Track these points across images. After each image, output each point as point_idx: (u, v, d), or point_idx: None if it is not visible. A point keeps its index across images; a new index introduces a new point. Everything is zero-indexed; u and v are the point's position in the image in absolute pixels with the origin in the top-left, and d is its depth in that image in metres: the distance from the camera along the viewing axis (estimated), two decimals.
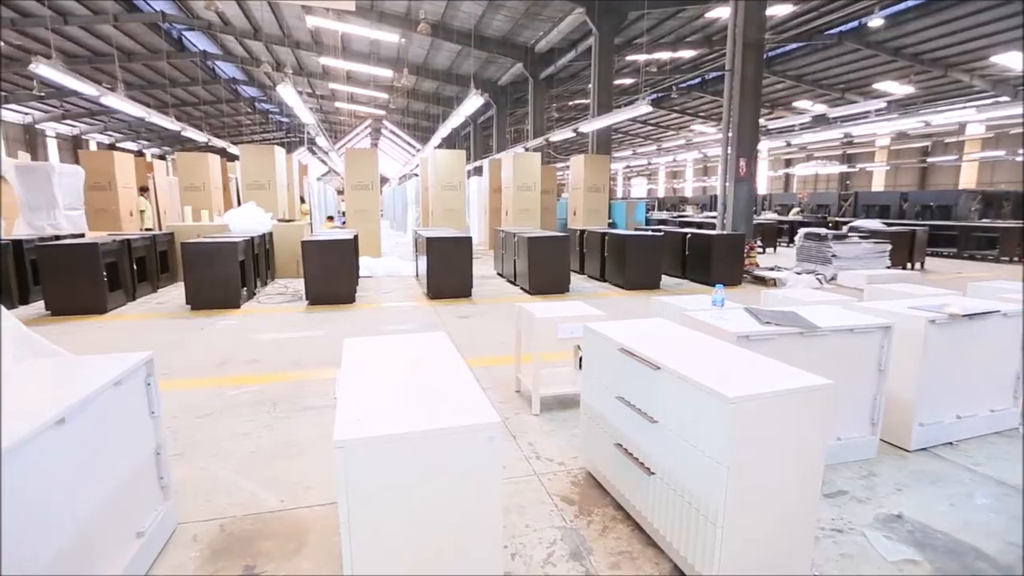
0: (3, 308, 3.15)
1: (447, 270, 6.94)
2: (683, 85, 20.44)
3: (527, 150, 15.03)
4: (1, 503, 1.33)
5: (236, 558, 2.07)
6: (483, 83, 19.28)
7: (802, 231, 9.79)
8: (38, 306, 6.32)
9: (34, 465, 1.45)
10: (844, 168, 28.67)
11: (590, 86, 13.95)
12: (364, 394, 1.73)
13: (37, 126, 25.63)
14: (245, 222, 7.83)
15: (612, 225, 13.47)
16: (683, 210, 26.24)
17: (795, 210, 20.87)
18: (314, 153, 27.99)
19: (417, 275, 8.70)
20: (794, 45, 15.74)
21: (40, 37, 17.05)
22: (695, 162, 36.74)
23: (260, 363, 4.37)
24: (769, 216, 19.11)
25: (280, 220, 9.40)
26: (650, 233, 8.47)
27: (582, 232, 9.19)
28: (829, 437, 2.74)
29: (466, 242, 7.08)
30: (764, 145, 17.90)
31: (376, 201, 10.29)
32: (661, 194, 42.13)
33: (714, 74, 18.66)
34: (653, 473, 2.08)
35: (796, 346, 2.65)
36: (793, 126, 17.06)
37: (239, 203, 13.36)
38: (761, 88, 9.55)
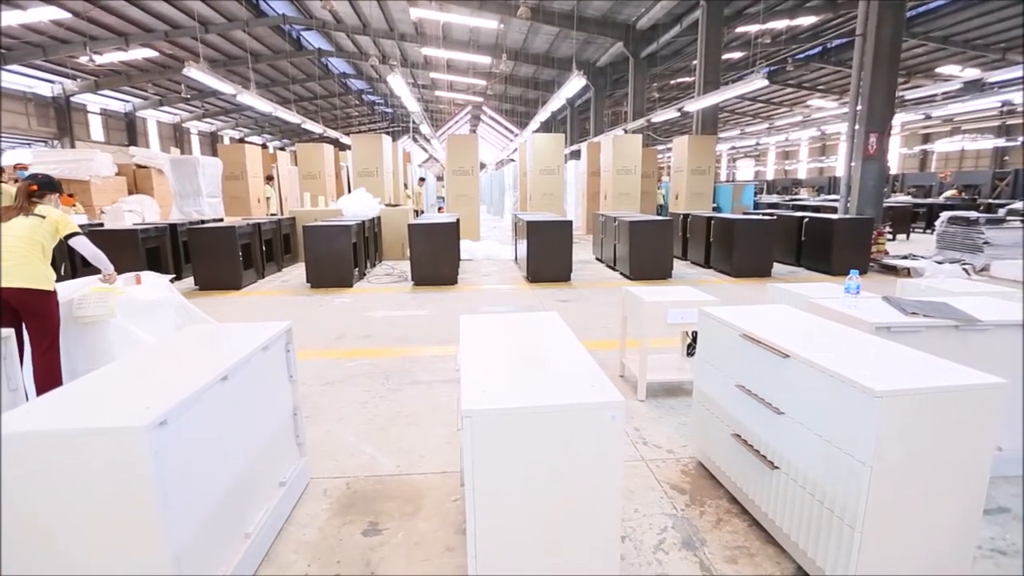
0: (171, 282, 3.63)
1: (547, 254, 6.95)
2: (800, 56, 18.67)
3: (626, 132, 14.58)
4: (186, 442, 1.53)
5: (361, 514, 2.24)
6: (581, 65, 18.91)
7: (945, 215, 8.63)
8: (188, 281, 7.22)
9: (207, 412, 1.66)
10: (1000, 142, 24.74)
11: (695, 63, 13.18)
12: (486, 368, 1.77)
13: (183, 124, 29.06)
14: (356, 207, 8.37)
15: (717, 209, 12.75)
16: (796, 193, 24.18)
17: (949, 191, 17.77)
18: (416, 141, 29.19)
19: (516, 259, 8.81)
20: (942, 1, 13.76)
21: (186, 46, 19.25)
22: (811, 141, 33.67)
23: (372, 338, 4.67)
24: (901, 198, 17.03)
25: (387, 205, 9.93)
26: (761, 217, 7.89)
27: (686, 216, 8.78)
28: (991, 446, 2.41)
29: (566, 226, 7.04)
30: (897, 119, 15.92)
31: (476, 186, 10.53)
32: (770, 176, 39.09)
33: (838, 41, 16.85)
34: (777, 467, 1.95)
35: (949, 341, 2.34)
36: (935, 95, 14.98)
37: (349, 190, 14.30)
38: (899, 53, 8.47)
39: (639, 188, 11.69)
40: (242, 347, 1.98)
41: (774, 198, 20.45)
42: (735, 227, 7.29)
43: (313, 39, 21.41)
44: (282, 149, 26.37)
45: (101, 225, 8.22)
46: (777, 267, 8.04)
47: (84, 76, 20.68)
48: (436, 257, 6.83)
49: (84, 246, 3.18)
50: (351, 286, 6.88)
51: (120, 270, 5.06)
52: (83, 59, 17.86)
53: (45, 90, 20.58)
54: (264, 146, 31.55)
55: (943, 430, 1.59)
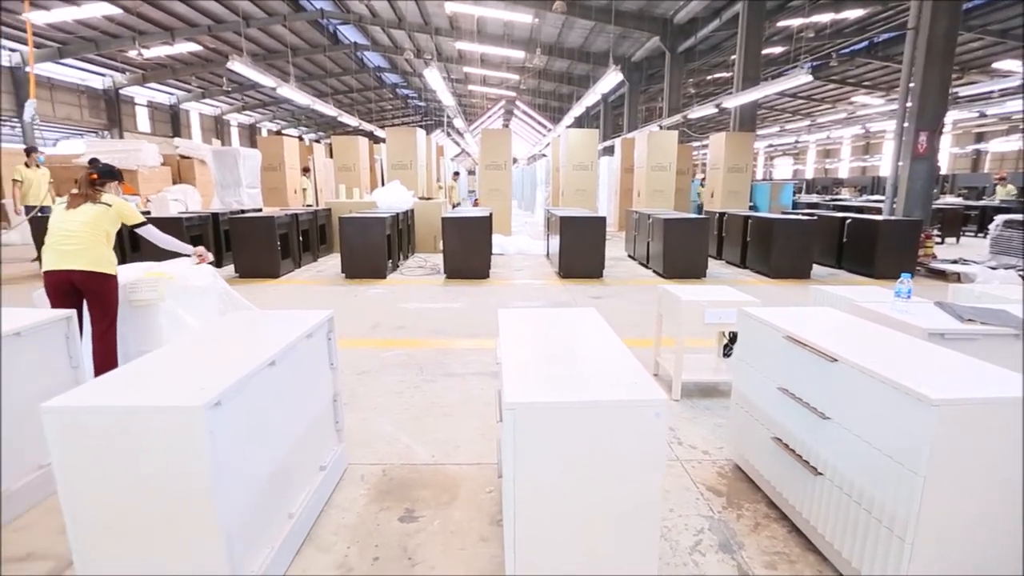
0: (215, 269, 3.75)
1: (579, 250, 6.92)
2: (845, 51, 18.03)
3: (661, 128, 14.36)
4: (237, 423, 1.59)
5: (398, 501, 2.28)
6: (616, 60, 18.64)
7: (999, 218, 8.22)
8: (229, 269, 7.44)
9: (256, 395, 1.71)
10: None
11: (733, 57, 12.87)
12: (527, 362, 1.78)
13: (224, 117, 29.89)
14: (390, 199, 8.48)
15: (753, 208, 12.45)
16: (837, 192, 23.40)
17: (1008, 190, 16.51)
18: (449, 135, 29.36)
19: (548, 254, 8.79)
20: None
21: (229, 40, 19.75)
22: (854, 139, 32.55)
23: (406, 329, 4.74)
24: (951, 200, 16.29)
25: (420, 198, 10.03)
26: (801, 217, 7.67)
27: (722, 215, 8.60)
28: None
29: (599, 222, 6.99)
30: (949, 116, 15.23)
31: (508, 181, 10.55)
32: (809, 175, 37.94)
33: (887, 35, 16.20)
34: (820, 473, 1.90)
35: (1007, 351, 2.24)
36: (991, 92, 14.27)
37: (383, 182, 14.49)
38: (955, 47, 8.09)
39: (673, 185, 11.51)
40: (288, 334, 2.03)
41: (813, 198, 19.84)
42: (774, 227, 7.11)
43: (349, 33, 21.71)
44: (317, 141, 26.88)
45: (148, 213, 8.53)
46: (816, 269, 7.81)
47: (132, 70, 21.44)
48: (469, 251, 6.87)
49: (153, 234, 3.33)
50: (384, 277, 6.98)
51: (163, 257, 5.26)
52: (132, 53, 18.53)
53: (97, 83, 21.44)
54: (300, 138, 32.28)
55: (1001, 441, 1.52)
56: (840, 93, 24.00)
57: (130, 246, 7.91)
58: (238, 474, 1.60)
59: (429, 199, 10.46)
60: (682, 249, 6.99)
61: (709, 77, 21.60)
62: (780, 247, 7.11)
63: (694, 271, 7.06)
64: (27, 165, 8.05)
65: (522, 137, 38.82)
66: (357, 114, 26.56)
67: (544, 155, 25.31)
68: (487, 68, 23.13)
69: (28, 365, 2.27)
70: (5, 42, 17.09)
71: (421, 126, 29.92)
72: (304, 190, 13.13)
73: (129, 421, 1.44)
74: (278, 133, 33.13)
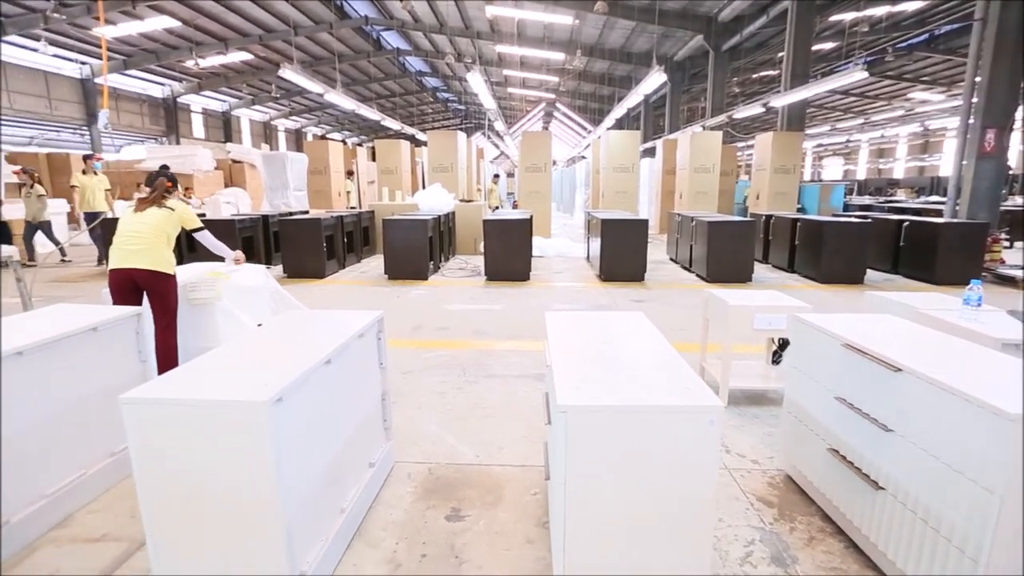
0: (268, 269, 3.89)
1: (620, 253, 6.85)
2: (903, 44, 17.19)
3: (704, 129, 14.06)
4: (296, 418, 1.65)
5: (444, 499, 2.31)
6: (659, 59, 18.43)
7: None
8: (277, 269, 7.71)
9: (313, 392, 1.77)
10: None
11: (781, 55, 12.48)
12: (578, 364, 1.78)
13: (272, 122, 31.03)
14: (432, 202, 8.61)
15: (801, 210, 12.03)
16: (892, 194, 22.32)
17: None
18: (488, 138, 29.58)
19: (588, 257, 8.74)
20: None
21: (278, 48, 20.50)
22: (911, 137, 31.02)
23: (448, 330, 4.80)
24: (1021, 201, 15.28)
25: (461, 200, 10.14)
26: (854, 220, 7.36)
27: (768, 217, 8.35)
28: None
29: (641, 225, 6.90)
30: (1020, 112, 14.33)
31: (548, 183, 10.54)
32: (861, 175, 36.35)
33: (949, 27, 15.37)
34: (882, 488, 1.83)
35: None
36: None
37: (423, 185, 14.73)
38: None
39: (717, 187, 11.24)
40: (341, 333, 2.09)
41: (866, 199, 18.99)
42: (824, 230, 6.85)
43: (392, 39, 22.17)
44: (360, 145, 27.56)
45: (203, 215, 8.93)
46: (871, 274, 7.49)
47: (189, 79, 22.53)
48: (509, 253, 6.90)
49: (207, 239, 3.54)
50: (426, 279, 7.09)
51: (218, 258, 5.49)
52: (189, 63, 19.49)
53: (157, 92, 22.62)
54: (344, 142, 33.17)
55: None
56: (896, 89, 22.92)
57: (187, 247, 8.31)
58: (296, 468, 1.66)
59: (469, 201, 10.56)
60: (727, 252, 6.82)
61: (755, 75, 21.00)
62: (831, 251, 6.84)
63: (739, 275, 6.88)
64: (84, 172, 8.20)
65: (561, 139, 38.73)
66: (399, 118, 27.11)
67: (583, 157, 25.15)
68: (527, 71, 23.19)
69: (102, 358, 2.41)
70: (76, 55, 18.26)
71: (461, 129, 30.30)
72: (348, 193, 13.47)
73: (199, 413, 1.52)
74: (323, 137, 34.13)
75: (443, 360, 4.01)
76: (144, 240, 3.16)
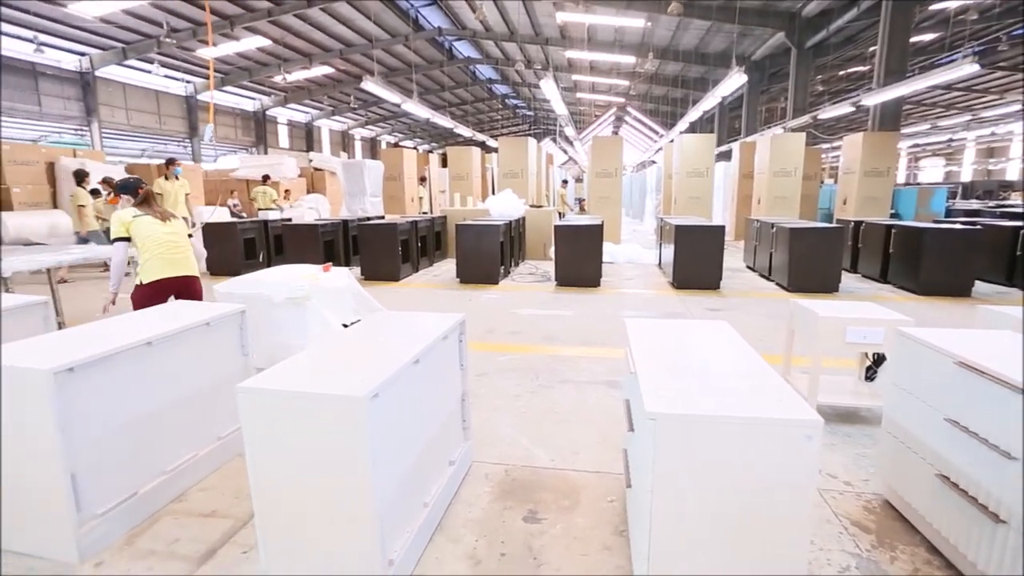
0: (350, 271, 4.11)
1: (695, 260, 6.65)
2: (1018, 32, 15.53)
3: (785, 130, 13.37)
4: (389, 414, 1.74)
5: (520, 501, 2.35)
6: (735, 59, 17.78)
7: None
8: (355, 272, 8.10)
9: (403, 390, 1.86)
10: None
11: (873, 49, 11.65)
12: (665, 372, 1.76)
13: (350, 131, 32.66)
14: (503, 207, 8.74)
15: (895, 216, 11.15)
16: (1004, 197, 20.19)
17: None
18: (556, 143, 29.62)
19: (660, 263, 8.55)
20: None
21: (356, 61, 21.58)
22: None
23: (520, 335, 4.85)
24: None
25: (531, 206, 10.23)
26: (960, 226, 6.74)
27: (857, 224, 7.81)
28: None
29: (718, 231, 6.67)
30: None
31: (618, 188, 10.41)
32: (966, 177, 33.13)
33: None
34: (1003, 521, 1.67)
35: None
36: None
37: (493, 191, 14.96)
38: None
39: (799, 191, 10.64)
40: (427, 334, 2.18)
41: (973, 203, 17.29)
42: (924, 237, 6.32)
43: (463, 48, 22.75)
44: (430, 152, 28.44)
45: (289, 220, 9.55)
46: (980, 286, 6.83)
47: (277, 93, 24.17)
48: (580, 259, 6.88)
49: (115, 257, 3.41)
50: (497, 283, 7.20)
51: (302, 259, 5.84)
52: (277, 78, 20.92)
53: (248, 105, 24.44)
54: (415, 149, 34.36)
55: None
56: (1010, 81, 20.73)
57: (274, 249, 8.92)
58: (387, 460, 1.75)
59: (540, 207, 10.62)
60: (811, 261, 6.45)
61: (841, 72, 19.73)
62: (933, 260, 6.29)
63: (825, 285, 6.48)
64: (166, 177, 8.01)
65: (631, 143, 38.10)
66: (469, 125, 27.75)
67: (654, 162, 24.62)
68: (596, 75, 23.04)
69: (212, 351, 2.65)
70: (182, 75, 20.11)
71: (529, 135, 30.51)
72: (420, 198, 13.93)
73: (304, 404, 1.64)
74: (396, 145, 35.52)
75: (516, 364, 4.06)
76: (184, 248, 3.46)
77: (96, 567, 1.96)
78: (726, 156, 16.50)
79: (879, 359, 3.27)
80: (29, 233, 8.90)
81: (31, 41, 13.90)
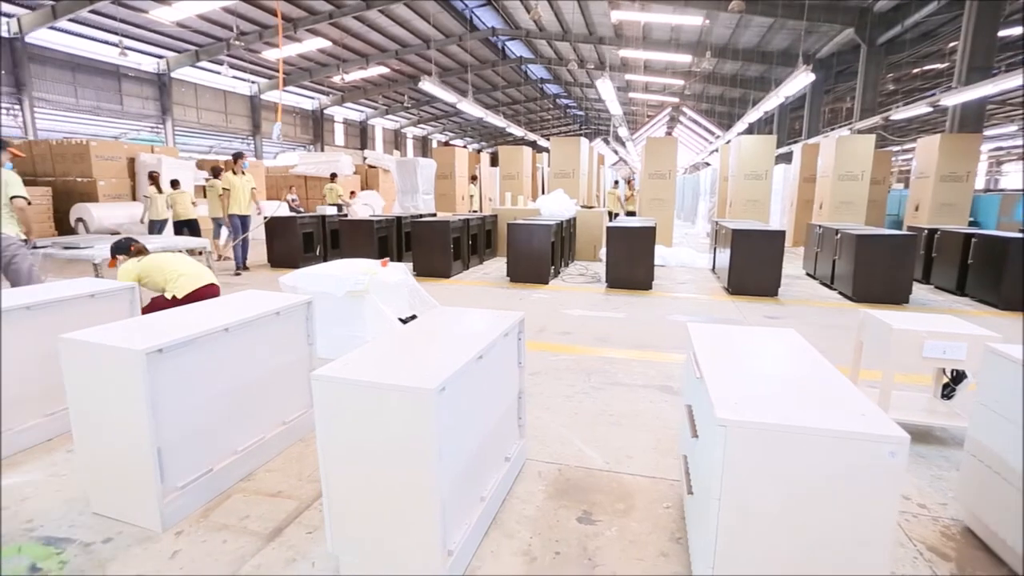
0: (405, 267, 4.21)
1: (752, 265, 6.43)
2: None
3: (853, 131, 12.73)
4: (454, 407, 1.78)
5: (574, 501, 2.34)
6: (794, 58, 17.06)
7: None
8: (407, 267, 8.27)
9: (466, 384, 1.90)
10: None
11: (953, 44, 10.91)
12: (733, 379, 1.72)
13: (402, 130, 33.40)
14: (554, 207, 8.73)
15: (974, 224, 10.43)
16: None
17: None
18: (608, 143, 29.30)
19: (714, 268, 8.33)
20: None
21: (411, 62, 22.04)
22: None
23: (571, 335, 4.84)
24: None
25: (582, 207, 10.17)
26: None
27: (931, 232, 7.35)
28: None
29: (777, 236, 6.43)
30: None
31: (672, 190, 10.20)
32: None
33: None
34: None
35: None
36: None
37: (543, 190, 14.97)
38: None
39: (866, 196, 10.11)
40: (490, 331, 2.21)
41: None
42: (1011, 248, 5.88)
43: (516, 48, 22.84)
44: (480, 151, 28.70)
45: (346, 215, 9.86)
46: None
47: (334, 92, 25.00)
48: (632, 261, 6.79)
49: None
50: (547, 283, 7.20)
51: (357, 254, 6.01)
52: (336, 78, 21.63)
53: (307, 104, 25.39)
54: (464, 147, 34.77)
55: None
56: None
57: (331, 243, 9.23)
58: (451, 452, 1.79)
59: (591, 208, 10.54)
60: (879, 269, 6.12)
61: (916, 70, 18.60)
62: (1018, 272, 5.85)
63: (894, 295, 6.13)
64: (233, 172, 7.90)
65: (684, 144, 37.24)
66: (519, 124, 27.83)
67: (708, 163, 23.98)
68: (649, 74, 22.65)
69: (280, 338, 2.77)
70: (247, 76, 21.11)
71: (579, 134, 30.27)
72: (471, 197, 14.09)
73: (375, 394, 1.69)
74: (447, 144, 36.07)
75: (567, 364, 4.05)
76: (197, 262, 3.75)
77: (176, 536, 2.10)
78: (786, 158, 15.89)
79: (958, 376, 3.07)
80: (112, 223, 9.58)
81: (116, 46, 14.94)
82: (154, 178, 8.90)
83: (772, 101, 13.14)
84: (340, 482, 1.80)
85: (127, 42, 15.26)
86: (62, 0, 13.43)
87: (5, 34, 13.93)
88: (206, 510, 2.26)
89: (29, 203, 3.99)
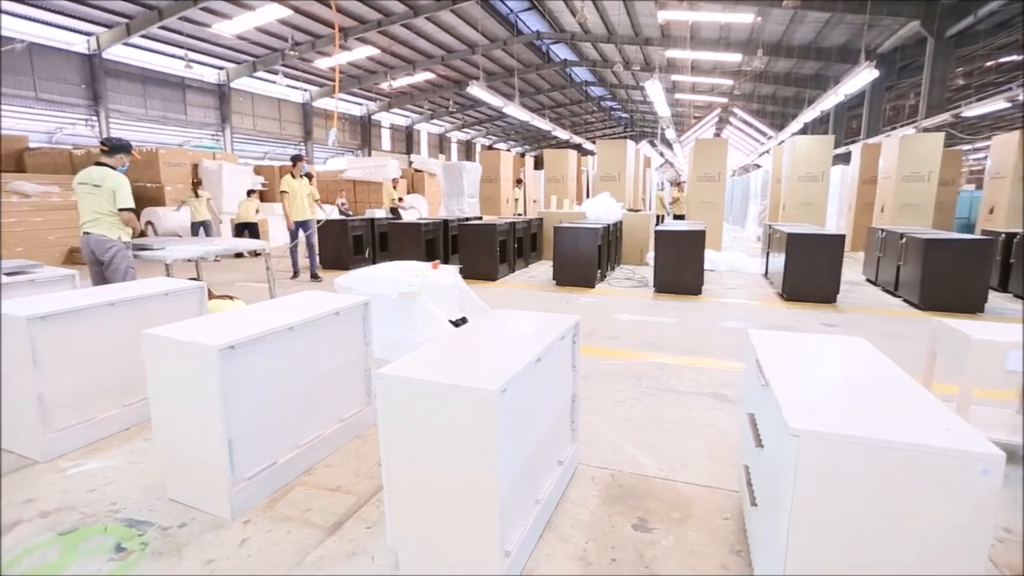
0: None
1: (809, 270, 6.18)
2: None
3: (919, 130, 12.06)
4: (513, 409, 1.79)
5: (629, 508, 2.31)
6: (854, 54, 16.31)
7: None
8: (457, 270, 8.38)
9: (526, 386, 1.91)
10: None
11: None
12: (802, 388, 1.66)
13: (446, 135, 33.90)
14: (599, 210, 8.65)
15: None
16: None
17: None
18: (654, 145, 28.84)
19: (766, 273, 8.06)
20: None
21: (456, 67, 22.37)
22: None
23: (620, 339, 4.78)
24: None
25: (629, 210, 10.04)
26: None
27: (1010, 236, 6.87)
28: None
29: (836, 241, 6.15)
30: None
31: (721, 193, 9.95)
32: None
33: None
34: None
35: None
36: None
37: (588, 194, 14.87)
38: None
39: (933, 198, 9.54)
40: (547, 334, 2.21)
41: None
42: None
43: (560, 51, 22.81)
44: (522, 155, 28.79)
45: (400, 218, 10.08)
46: None
47: (381, 98, 25.64)
48: (681, 265, 6.65)
49: None
50: (593, 287, 7.15)
51: (405, 257, 6.11)
52: (383, 85, 22.19)
53: (356, 111, 26.14)
54: (508, 151, 34.94)
55: None
56: None
57: (380, 246, 9.46)
58: (510, 455, 1.80)
59: (637, 211, 10.40)
60: (950, 276, 5.76)
61: (989, 63, 17.45)
62: None
63: (966, 304, 5.76)
64: (292, 175, 7.65)
65: (733, 146, 36.21)
66: (564, 127, 27.78)
67: (758, 165, 23.26)
68: (697, 75, 22.16)
69: (339, 338, 2.86)
70: (300, 84, 21.93)
71: (623, 137, 29.98)
72: (516, 200, 14.16)
73: (438, 394, 1.72)
74: (490, 148, 36.36)
75: (617, 369, 4.01)
76: None
77: (244, 525, 2.20)
78: (843, 159, 15.22)
79: None
80: (176, 226, 10.14)
81: (182, 59, 15.85)
82: (195, 184, 9.61)
83: (830, 100, 12.61)
84: (401, 479, 1.84)
85: (191, 55, 16.17)
86: (135, 18, 14.37)
87: (85, 51, 15.01)
88: (271, 501, 2.36)
89: (134, 212, 4.28)
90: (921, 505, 1.32)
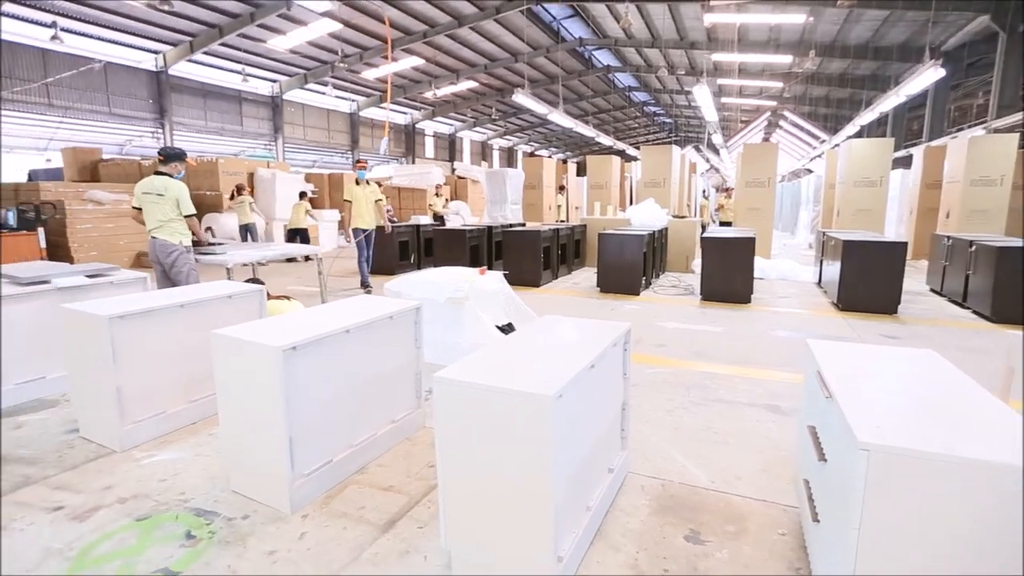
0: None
1: (867, 279, 5.91)
2: None
3: (989, 131, 11.37)
4: (567, 414, 1.80)
5: (681, 519, 2.27)
6: (915, 52, 15.54)
7: None
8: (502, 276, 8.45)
9: (579, 393, 1.91)
10: None
11: None
12: (867, 401, 1.60)
13: (488, 142, 34.26)
14: (644, 217, 8.56)
15: None
16: None
17: None
18: (699, 151, 28.30)
19: (820, 281, 7.77)
20: None
21: (498, 75, 22.60)
22: None
23: (667, 348, 4.71)
24: None
25: (674, 216, 9.89)
26: None
27: None
28: None
29: (898, 249, 5.87)
30: None
31: (771, 199, 9.65)
32: None
33: None
34: None
35: None
36: None
37: (631, 200, 14.72)
38: None
39: (1005, 204, 8.97)
40: (600, 341, 2.21)
41: None
42: None
43: (603, 57, 22.71)
44: (564, 161, 28.76)
45: (445, 225, 10.26)
46: None
47: (425, 107, 26.17)
48: (729, 273, 6.49)
49: None
50: (638, 294, 7.06)
51: (450, 263, 6.21)
52: (428, 94, 22.65)
53: (400, 119, 26.76)
54: (550, 158, 34.98)
55: None
56: None
57: (424, 251, 9.64)
58: (564, 460, 1.81)
59: (683, 217, 10.22)
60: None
61: None
62: None
63: None
64: (356, 182, 7.33)
65: (783, 150, 35.07)
66: (607, 133, 27.61)
67: (810, 170, 22.45)
68: (744, 78, 21.61)
69: (392, 342, 2.94)
70: (347, 94, 22.64)
71: (667, 142, 29.52)
72: (559, 206, 14.15)
73: (494, 398, 1.75)
74: (531, 155, 36.48)
75: (665, 377, 3.95)
76: None
77: (303, 519, 2.28)
78: (903, 163, 14.51)
79: None
80: (233, 231, 10.64)
81: (239, 73, 16.68)
82: (238, 188, 10.24)
83: (891, 100, 12.03)
84: (456, 480, 1.87)
85: (248, 69, 16.98)
86: (198, 36, 15.23)
87: (153, 68, 16.01)
88: (327, 497, 2.44)
89: (195, 216, 4.58)
90: (1001, 525, 1.25)
